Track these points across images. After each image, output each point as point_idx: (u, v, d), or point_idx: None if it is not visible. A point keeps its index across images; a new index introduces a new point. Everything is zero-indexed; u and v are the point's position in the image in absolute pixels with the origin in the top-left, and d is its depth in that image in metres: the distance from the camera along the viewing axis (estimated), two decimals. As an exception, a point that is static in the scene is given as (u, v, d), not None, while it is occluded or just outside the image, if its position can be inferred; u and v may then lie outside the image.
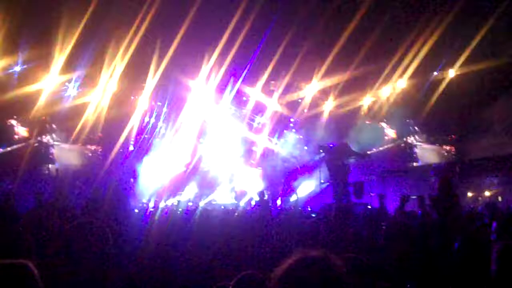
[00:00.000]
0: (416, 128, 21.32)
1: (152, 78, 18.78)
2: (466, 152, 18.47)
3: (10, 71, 17.13)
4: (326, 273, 2.43)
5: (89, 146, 19.79)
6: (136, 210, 15.33)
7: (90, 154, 19.86)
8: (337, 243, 5.52)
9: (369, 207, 15.31)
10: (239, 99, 21.78)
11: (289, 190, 19.84)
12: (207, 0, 15.32)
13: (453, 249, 5.29)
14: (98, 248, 3.52)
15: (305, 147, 22.22)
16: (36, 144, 18.36)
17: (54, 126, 18.99)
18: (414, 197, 9.78)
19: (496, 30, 15.95)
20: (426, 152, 21.10)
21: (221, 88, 20.41)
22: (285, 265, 2.48)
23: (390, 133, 22.20)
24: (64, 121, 18.92)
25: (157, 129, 22.15)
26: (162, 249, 6.84)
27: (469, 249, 5.03)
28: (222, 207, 18.23)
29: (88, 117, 18.64)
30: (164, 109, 21.67)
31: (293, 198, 19.14)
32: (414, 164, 20.98)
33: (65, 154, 19.28)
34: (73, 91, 19.04)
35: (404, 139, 21.73)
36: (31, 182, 17.02)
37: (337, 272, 2.45)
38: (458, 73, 19.11)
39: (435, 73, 19.91)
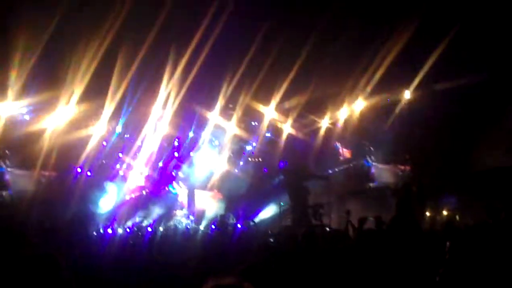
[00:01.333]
0: (372, 148, 21.54)
1: (110, 102, 18.57)
2: (423, 172, 18.72)
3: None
4: None
5: (44, 172, 19.42)
6: (95, 234, 15.16)
7: (45, 180, 19.49)
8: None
9: (327, 229, 15.37)
10: (199, 121, 21.75)
11: (250, 213, 19.84)
12: (164, 21, 15.27)
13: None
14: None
15: (264, 170, 22.29)
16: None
17: (7, 151, 18.64)
18: (371, 218, 9.88)
19: (453, 51, 16.24)
20: (383, 173, 21.32)
21: (180, 110, 20.33)
22: None
23: (346, 153, 22.43)
24: (19, 146, 18.58)
25: (115, 154, 21.98)
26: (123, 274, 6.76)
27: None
28: (182, 231, 18.13)
29: (44, 142, 18.32)
30: (123, 133, 21.53)
31: (253, 221, 19.13)
32: (371, 184, 21.17)
33: (20, 180, 18.93)
34: (28, 116, 18.77)
35: (360, 159, 21.95)
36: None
37: None
38: (414, 94, 19.39)
39: (391, 95, 20.20)
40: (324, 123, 21.82)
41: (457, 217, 16.99)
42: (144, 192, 21.77)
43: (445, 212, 18.31)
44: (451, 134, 17.85)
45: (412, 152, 19.95)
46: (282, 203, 19.39)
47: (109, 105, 18.77)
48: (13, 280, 3.28)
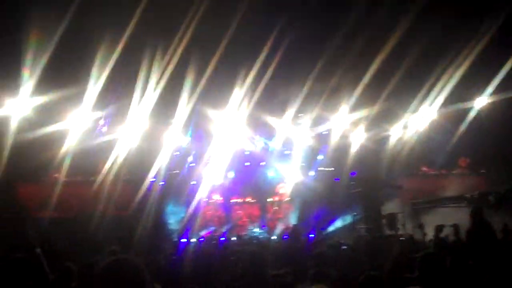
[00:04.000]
0: (444, 158, 21.12)
1: (181, 113, 18.91)
2: (500, 182, 18.21)
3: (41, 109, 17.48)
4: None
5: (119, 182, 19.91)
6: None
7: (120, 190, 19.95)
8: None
9: (402, 238, 15.16)
10: (269, 131, 21.84)
11: (322, 223, 19.80)
12: (236, 35, 15.45)
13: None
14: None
15: (336, 180, 22.18)
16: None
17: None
18: (449, 225, 9.69)
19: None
20: (458, 183, 20.86)
21: (250, 121, 20.45)
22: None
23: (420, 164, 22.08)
24: (94, 157, 19.21)
25: (187, 165, 22.36)
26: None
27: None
28: (255, 240, 18.25)
29: (118, 153, 18.84)
30: (193, 145, 21.86)
31: (326, 231, 19.08)
32: (447, 195, 20.74)
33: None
34: (104, 128, 19.38)
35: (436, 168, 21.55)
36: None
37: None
38: (490, 101, 18.94)
39: (465, 102, 19.81)
40: (395, 132, 21.56)
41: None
42: (215, 203, 22.08)
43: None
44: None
45: (488, 161, 19.47)
46: (355, 213, 19.26)
47: (180, 116, 19.11)
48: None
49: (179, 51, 15.87)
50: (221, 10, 14.72)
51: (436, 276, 5.33)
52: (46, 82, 15.92)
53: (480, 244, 7.75)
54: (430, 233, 11.03)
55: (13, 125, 16.30)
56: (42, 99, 16.55)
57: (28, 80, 15.48)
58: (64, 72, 15.92)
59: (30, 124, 16.76)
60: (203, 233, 19.85)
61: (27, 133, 16.61)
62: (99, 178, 18.98)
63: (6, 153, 16.00)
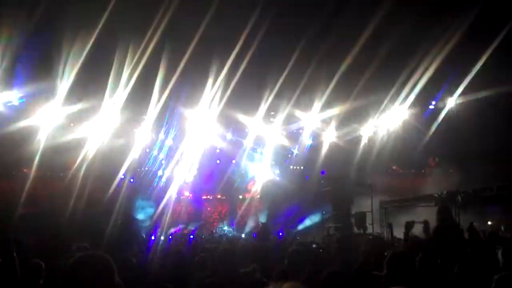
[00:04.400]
0: (415, 157, 21.33)
1: (153, 109, 18.79)
2: (468, 181, 18.41)
3: (10, 104, 17.25)
4: None
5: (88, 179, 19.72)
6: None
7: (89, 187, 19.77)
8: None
9: (370, 237, 15.24)
10: (240, 129, 21.83)
11: (292, 221, 19.83)
12: (208, 32, 15.39)
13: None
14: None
15: (306, 178, 22.26)
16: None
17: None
18: (419, 222, 9.74)
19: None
20: (428, 182, 21.04)
21: (222, 118, 20.40)
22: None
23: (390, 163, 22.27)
24: (61, 153, 18.97)
25: (157, 161, 22.24)
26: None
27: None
28: (224, 238, 18.23)
29: (87, 150, 18.66)
30: (165, 141, 21.75)
31: (296, 229, 19.12)
32: (416, 194, 20.90)
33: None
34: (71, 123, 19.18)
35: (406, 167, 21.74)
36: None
37: None
38: (459, 101, 19.17)
39: (435, 102, 20.02)
40: (366, 131, 21.70)
41: (502, 228, 16.70)
42: (185, 200, 21.99)
43: (489, 222, 18.03)
44: (498, 142, 17.57)
45: (457, 161, 19.67)
46: (324, 212, 19.31)
47: (152, 113, 19.00)
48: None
49: (151, 47, 15.78)
50: (194, 6, 14.67)
51: (405, 274, 5.35)
52: (17, 77, 15.74)
53: (447, 242, 7.81)
54: (398, 232, 11.11)
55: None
56: (13, 94, 16.36)
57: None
58: (35, 67, 15.74)
59: (0, 120, 16.54)
60: (172, 230, 19.73)
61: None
62: (69, 174, 18.80)
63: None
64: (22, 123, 17.18)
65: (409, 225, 8.84)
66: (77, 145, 18.65)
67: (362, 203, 18.24)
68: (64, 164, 19.31)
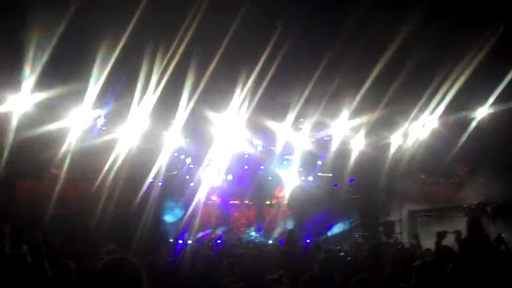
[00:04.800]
0: (444, 166, 21.10)
1: (181, 115, 18.89)
2: (497, 192, 18.18)
3: (41, 105, 17.48)
4: None
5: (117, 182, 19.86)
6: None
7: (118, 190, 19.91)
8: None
9: (399, 246, 15.13)
10: (269, 135, 21.83)
11: (319, 228, 19.78)
12: (237, 39, 15.45)
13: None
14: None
15: (334, 185, 22.19)
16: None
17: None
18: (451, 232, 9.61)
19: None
20: (457, 192, 20.82)
21: (250, 124, 20.42)
22: None
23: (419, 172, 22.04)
24: (91, 156, 19.17)
25: (185, 166, 22.36)
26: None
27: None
28: (251, 244, 18.24)
29: (117, 153, 18.82)
30: (192, 146, 21.82)
31: (323, 236, 19.07)
32: (445, 204, 20.70)
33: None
34: (103, 126, 19.38)
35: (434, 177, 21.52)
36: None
37: None
38: (491, 111, 18.93)
39: (466, 111, 19.80)
40: (395, 139, 21.54)
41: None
42: (213, 205, 22.07)
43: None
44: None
45: (487, 171, 19.42)
46: (352, 220, 19.24)
47: (181, 117, 19.11)
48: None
49: (180, 52, 15.88)
50: (223, 12, 14.75)
51: (434, 285, 5.32)
52: (47, 79, 15.95)
53: (477, 254, 7.74)
54: (427, 242, 11.01)
55: (14, 122, 16.29)
56: (43, 96, 16.58)
57: (30, 77, 15.50)
58: (65, 69, 15.94)
59: (31, 121, 16.76)
60: (199, 235, 19.82)
61: (28, 130, 16.59)
62: (99, 176, 18.96)
63: (7, 149, 15.99)
64: (53, 125, 17.38)
65: (440, 235, 8.72)
66: (107, 148, 18.82)
67: (390, 212, 18.14)
68: (94, 166, 19.48)
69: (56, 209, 17.53)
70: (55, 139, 17.73)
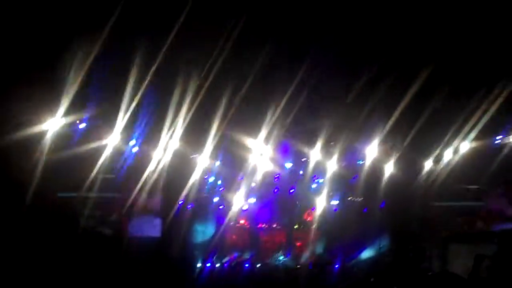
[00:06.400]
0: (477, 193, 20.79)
1: (213, 138, 18.97)
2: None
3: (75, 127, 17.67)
4: None
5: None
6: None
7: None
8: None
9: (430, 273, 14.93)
10: (299, 159, 21.79)
11: (348, 253, 19.61)
12: (269, 64, 15.55)
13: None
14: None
15: (364, 210, 21.97)
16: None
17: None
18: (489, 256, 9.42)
19: None
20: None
21: (281, 147, 20.43)
22: None
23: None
24: (125, 174, 19.26)
25: (216, 188, 22.36)
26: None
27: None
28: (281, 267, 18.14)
29: (150, 174, 18.89)
30: (223, 169, 21.83)
31: (352, 261, 18.88)
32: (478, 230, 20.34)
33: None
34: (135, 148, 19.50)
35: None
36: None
37: None
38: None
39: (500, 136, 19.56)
40: (427, 164, 21.29)
41: None
42: (241, 228, 22.02)
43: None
44: None
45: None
46: (381, 245, 19.03)
47: (211, 139, 19.18)
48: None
49: (212, 76, 16.05)
50: (254, 39, 14.90)
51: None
52: (84, 100, 16.21)
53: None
54: (460, 267, 10.81)
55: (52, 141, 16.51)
56: (79, 116, 16.84)
57: (68, 99, 15.74)
58: (101, 90, 16.19)
59: (66, 142, 16.98)
60: (227, 258, 19.76)
61: (64, 150, 16.80)
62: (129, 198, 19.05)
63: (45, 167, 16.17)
64: (85, 146, 17.56)
65: (479, 259, 8.57)
66: (138, 169, 18.93)
67: (422, 237, 17.91)
68: (125, 185, 19.59)
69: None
70: (88, 159, 17.90)
